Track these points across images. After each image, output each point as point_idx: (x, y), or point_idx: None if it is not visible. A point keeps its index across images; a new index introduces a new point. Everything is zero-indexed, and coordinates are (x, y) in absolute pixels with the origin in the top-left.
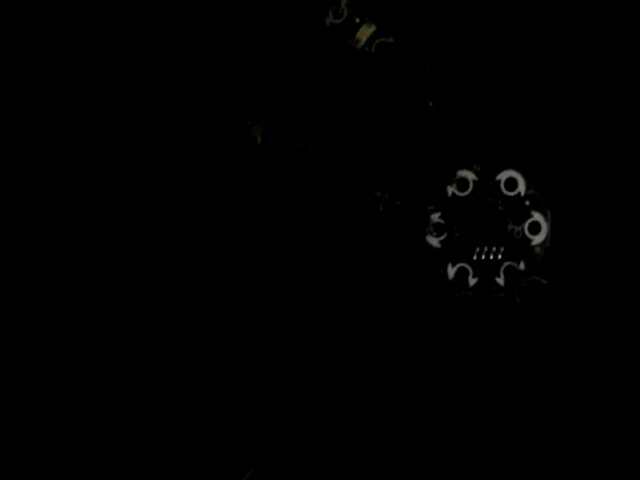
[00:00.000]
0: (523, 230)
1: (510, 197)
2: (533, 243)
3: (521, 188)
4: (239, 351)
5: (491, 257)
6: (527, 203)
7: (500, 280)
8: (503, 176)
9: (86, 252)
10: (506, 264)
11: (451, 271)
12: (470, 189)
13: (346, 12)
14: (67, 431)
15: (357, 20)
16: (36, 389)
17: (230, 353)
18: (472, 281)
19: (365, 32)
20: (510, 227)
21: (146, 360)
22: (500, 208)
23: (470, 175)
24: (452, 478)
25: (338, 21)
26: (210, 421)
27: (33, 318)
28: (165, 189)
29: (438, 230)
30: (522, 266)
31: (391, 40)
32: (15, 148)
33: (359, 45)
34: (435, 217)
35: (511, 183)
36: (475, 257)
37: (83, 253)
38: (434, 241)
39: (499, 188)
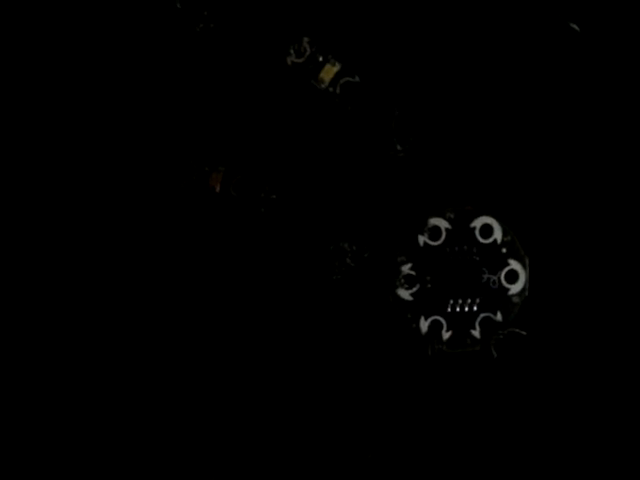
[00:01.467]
0: (499, 279)
1: (486, 245)
2: (510, 292)
3: (497, 235)
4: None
5: (466, 309)
6: (504, 251)
7: (476, 332)
8: (478, 223)
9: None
10: (482, 315)
11: (424, 325)
12: (443, 238)
13: (309, 50)
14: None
15: (320, 59)
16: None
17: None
18: (446, 334)
19: (329, 71)
20: (486, 276)
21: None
22: (475, 257)
23: (443, 223)
24: None
25: (300, 60)
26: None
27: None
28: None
29: (409, 282)
30: (499, 317)
31: (357, 79)
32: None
33: (323, 85)
34: (406, 268)
35: (487, 230)
36: (449, 309)
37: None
38: (405, 294)
39: (474, 235)
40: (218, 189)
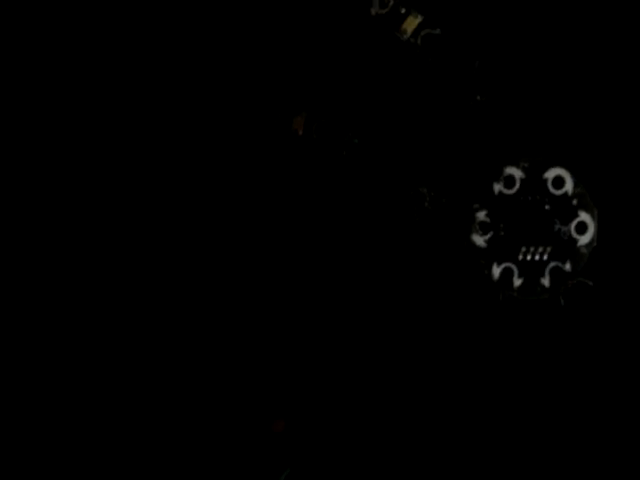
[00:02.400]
0: (570, 230)
1: (557, 196)
2: (579, 243)
3: (568, 187)
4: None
5: (537, 257)
6: (574, 202)
7: (545, 281)
8: (550, 174)
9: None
10: (552, 265)
11: (496, 271)
12: (517, 187)
13: (392, 2)
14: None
15: (403, 10)
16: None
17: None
18: (517, 282)
19: (411, 23)
20: (557, 227)
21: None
22: (547, 207)
23: (517, 172)
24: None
25: (383, 11)
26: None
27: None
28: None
29: (484, 229)
30: (568, 267)
31: (438, 32)
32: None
33: (405, 36)
34: (481, 215)
35: (558, 181)
36: (521, 257)
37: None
38: (479, 240)
39: (546, 186)
40: (301, 132)
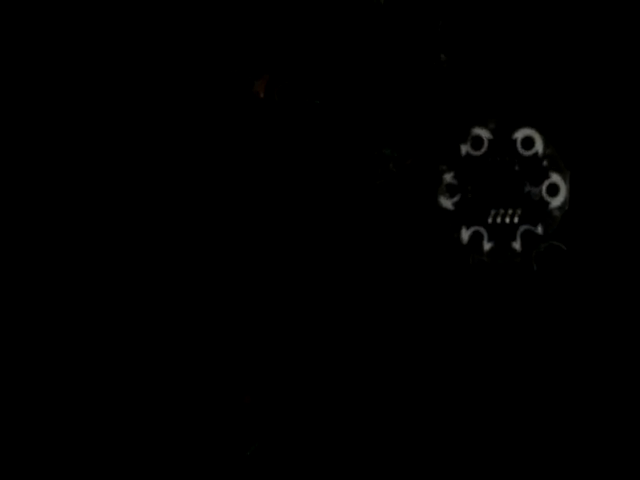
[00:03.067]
0: (541, 192)
1: (527, 157)
2: (551, 206)
3: (538, 147)
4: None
5: (507, 220)
6: (545, 163)
7: (516, 245)
8: (520, 134)
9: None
10: (523, 228)
11: (465, 235)
12: (485, 148)
13: None
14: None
15: None
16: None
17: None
18: (487, 245)
19: None
20: (527, 189)
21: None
22: (516, 168)
23: (485, 133)
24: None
25: None
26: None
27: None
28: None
29: (451, 191)
30: (540, 230)
31: None
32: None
33: None
34: (448, 177)
35: (528, 142)
36: (490, 220)
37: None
38: (447, 203)
39: (515, 147)
40: (262, 96)
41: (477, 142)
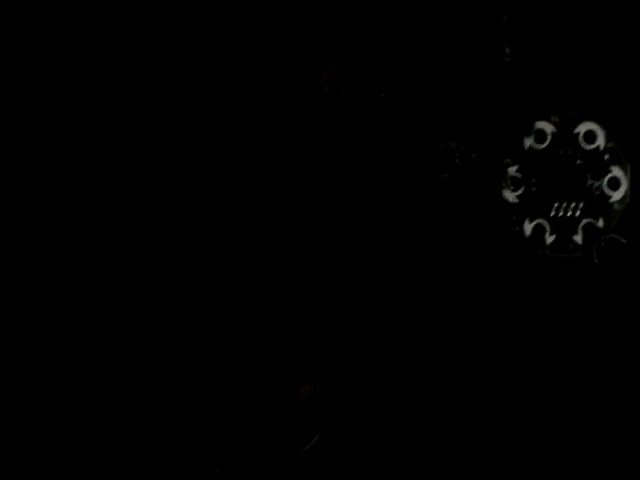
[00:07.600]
0: (602, 186)
1: (589, 150)
2: (612, 199)
3: (600, 141)
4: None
5: (569, 213)
6: (606, 157)
7: (578, 238)
8: (582, 128)
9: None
10: (584, 221)
11: (528, 227)
12: (548, 141)
13: None
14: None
15: None
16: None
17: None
18: (549, 239)
19: None
20: (589, 182)
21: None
22: (578, 162)
23: (548, 127)
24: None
25: None
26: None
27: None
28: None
29: (515, 184)
30: (601, 223)
31: None
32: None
33: None
34: (512, 170)
35: (590, 136)
36: (552, 213)
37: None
38: (511, 196)
39: (577, 141)
40: (327, 89)
41: (540, 136)
